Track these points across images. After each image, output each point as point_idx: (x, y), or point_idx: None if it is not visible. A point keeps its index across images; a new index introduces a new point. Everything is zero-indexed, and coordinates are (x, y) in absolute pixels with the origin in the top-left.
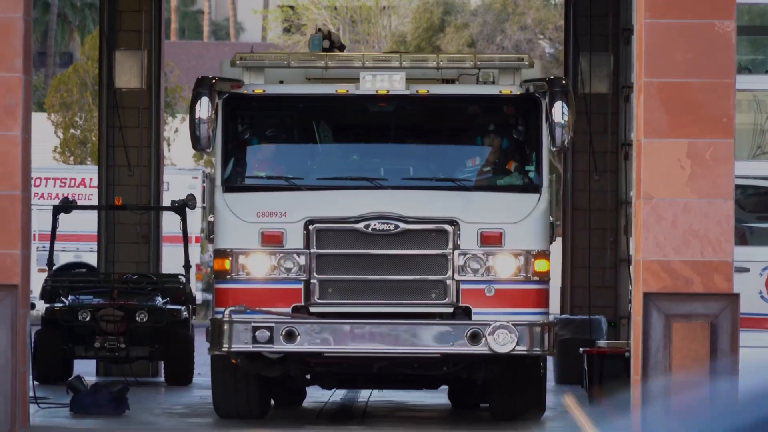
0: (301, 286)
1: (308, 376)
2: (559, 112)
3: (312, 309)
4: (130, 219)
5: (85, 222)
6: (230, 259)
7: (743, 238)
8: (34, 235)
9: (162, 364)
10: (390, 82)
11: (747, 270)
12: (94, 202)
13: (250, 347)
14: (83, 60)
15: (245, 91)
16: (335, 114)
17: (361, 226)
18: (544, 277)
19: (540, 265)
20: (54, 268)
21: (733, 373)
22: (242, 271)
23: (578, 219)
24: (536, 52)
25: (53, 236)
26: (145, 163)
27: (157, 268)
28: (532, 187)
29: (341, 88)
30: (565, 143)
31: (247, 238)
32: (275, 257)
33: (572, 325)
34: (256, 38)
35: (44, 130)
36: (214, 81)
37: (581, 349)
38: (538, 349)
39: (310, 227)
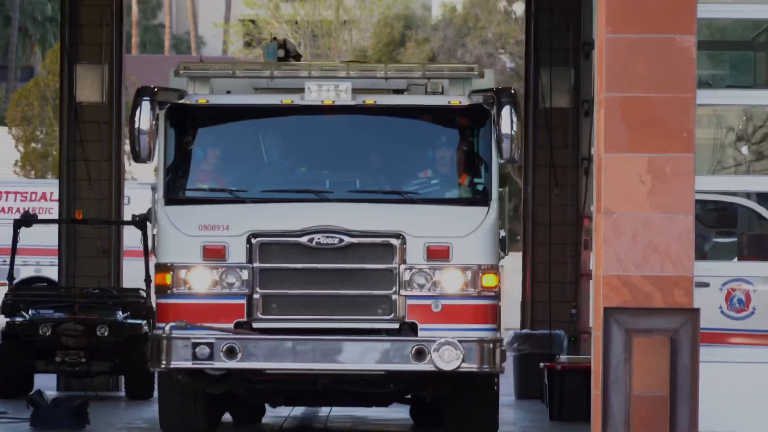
0: (243, 301)
1: (253, 393)
2: (507, 123)
3: (255, 325)
4: (90, 233)
5: (46, 236)
6: (171, 273)
7: (703, 253)
8: None
9: (123, 379)
10: (336, 93)
11: (707, 285)
12: (55, 216)
13: (189, 364)
14: (44, 74)
15: (187, 102)
16: (280, 125)
17: (305, 239)
18: (492, 293)
19: (488, 280)
20: (14, 282)
21: (693, 388)
22: (184, 285)
23: (539, 233)
24: (497, 66)
25: (14, 250)
26: (106, 177)
27: (118, 283)
28: (481, 200)
29: (286, 99)
30: (514, 156)
31: (189, 252)
32: (217, 271)
33: (532, 340)
34: (217, 52)
35: (5, 143)
36: (155, 91)
37: (541, 364)
38: (485, 366)
39: (253, 241)
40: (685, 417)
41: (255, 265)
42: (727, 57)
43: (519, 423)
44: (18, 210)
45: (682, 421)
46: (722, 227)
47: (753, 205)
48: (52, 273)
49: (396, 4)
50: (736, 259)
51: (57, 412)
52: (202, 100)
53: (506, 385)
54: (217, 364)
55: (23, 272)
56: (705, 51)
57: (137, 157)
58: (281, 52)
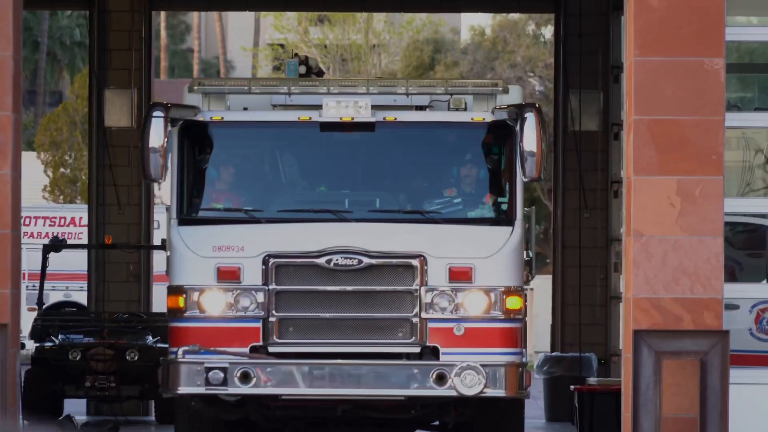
0: (259, 324)
1: (270, 420)
2: (531, 140)
3: (271, 349)
4: (120, 258)
5: (75, 261)
6: (184, 296)
7: (733, 275)
8: (24, 274)
9: (152, 403)
10: (355, 109)
11: (737, 307)
12: (85, 241)
13: (202, 389)
14: (73, 98)
15: (201, 118)
16: (297, 142)
17: (322, 261)
18: (516, 315)
19: (512, 303)
20: (44, 307)
21: (723, 410)
22: (197, 308)
23: (568, 256)
24: (526, 90)
25: (43, 275)
26: (135, 202)
27: (148, 307)
28: (505, 220)
29: (303, 116)
30: (537, 174)
31: (202, 274)
32: (232, 294)
33: (563, 363)
34: (246, 75)
35: (34, 168)
36: (167, 107)
37: (572, 387)
38: (509, 391)
39: (269, 262)
40: None
41: (271, 287)
42: (755, 79)
43: None
44: (47, 235)
45: None
46: (751, 249)
47: None
48: (82, 298)
49: (425, 28)
50: (765, 281)
51: None
52: (216, 117)
53: (536, 408)
54: (231, 390)
55: (52, 297)
56: (733, 74)
57: (148, 176)
58: (302, 69)
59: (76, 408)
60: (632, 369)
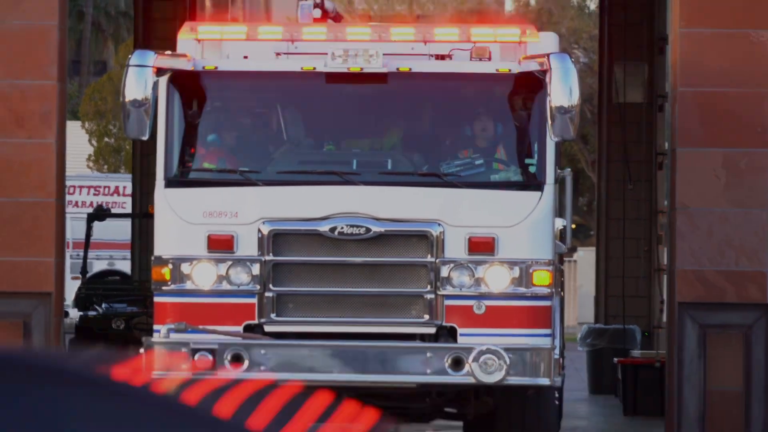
0: (254, 300)
1: None
2: (561, 94)
3: (267, 328)
4: None
5: (119, 230)
6: (170, 267)
7: None
8: (68, 243)
9: None
10: (365, 58)
11: None
12: (128, 210)
13: (188, 374)
14: (117, 68)
15: (192, 68)
16: (301, 96)
17: (326, 228)
18: (544, 292)
19: (540, 278)
20: (88, 276)
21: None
22: (185, 281)
23: (612, 228)
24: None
25: (87, 244)
26: None
27: None
28: (533, 184)
29: (307, 65)
30: (568, 134)
31: (191, 243)
32: (224, 266)
33: (606, 335)
34: None
35: (78, 138)
36: (151, 55)
37: (615, 359)
38: (536, 378)
39: (266, 230)
40: (760, 412)
41: (267, 258)
42: None
43: (592, 418)
44: (91, 204)
45: (756, 417)
46: None
47: None
48: (125, 267)
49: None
50: None
51: None
52: (209, 66)
53: (579, 381)
54: (221, 375)
55: (96, 266)
56: None
57: (130, 132)
58: (317, 12)
59: None
60: (676, 342)
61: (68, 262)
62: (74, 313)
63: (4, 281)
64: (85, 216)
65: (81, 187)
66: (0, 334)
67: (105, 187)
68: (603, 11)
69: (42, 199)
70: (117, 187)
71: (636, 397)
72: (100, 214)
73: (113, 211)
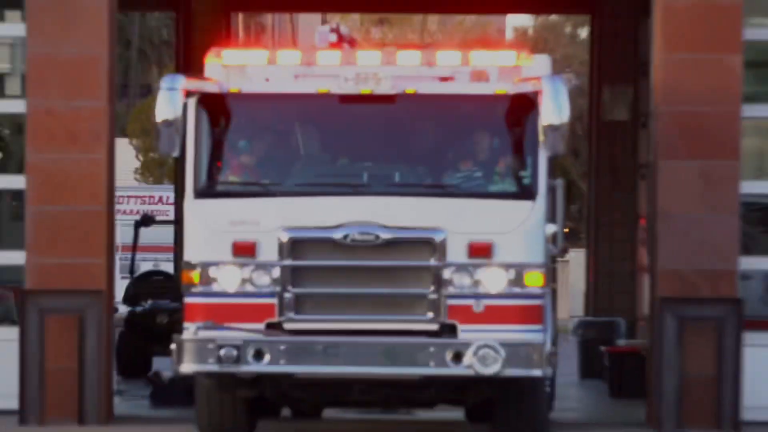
0: (275, 300)
1: (287, 398)
2: (552, 113)
3: (286, 325)
4: None
5: (163, 235)
6: (199, 271)
7: (747, 249)
8: (118, 246)
9: None
10: (375, 81)
11: (750, 278)
12: (171, 217)
13: (215, 367)
14: None
15: (218, 90)
16: (316, 115)
17: (339, 236)
18: (537, 292)
19: (532, 279)
20: (135, 275)
21: (737, 369)
22: (212, 284)
23: (600, 232)
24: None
25: (134, 247)
26: None
27: None
28: (527, 194)
29: (322, 88)
30: (559, 151)
31: (218, 249)
32: (247, 269)
33: (595, 327)
34: None
35: (126, 153)
36: (182, 79)
37: (603, 348)
38: (529, 369)
39: (285, 237)
40: (731, 395)
41: (286, 262)
42: None
43: (582, 400)
44: (138, 212)
45: (727, 398)
46: (764, 226)
47: None
48: (168, 267)
49: (474, 28)
50: None
51: (173, 391)
52: (234, 89)
53: (571, 367)
54: (244, 368)
55: (143, 267)
56: (751, 69)
57: (162, 149)
58: (333, 36)
59: (163, 366)
60: (657, 332)
61: (118, 263)
62: (123, 309)
63: (63, 280)
64: (133, 222)
65: (129, 197)
66: (58, 327)
67: (150, 196)
68: (593, 39)
69: (94, 207)
70: (161, 197)
71: (621, 381)
72: (146, 220)
73: (157, 218)
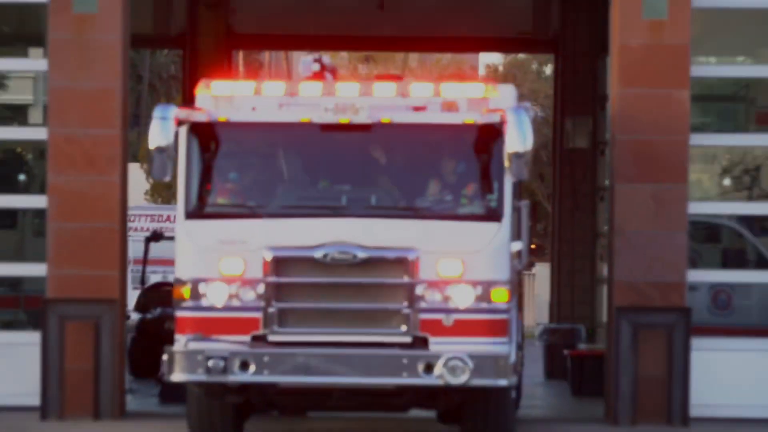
0: (260, 314)
1: (271, 404)
2: (516, 141)
3: (270, 338)
4: None
5: (171, 250)
6: (189, 286)
7: (694, 263)
8: (130, 260)
9: None
10: (353, 111)
11: (697, 289)
12: None
13: (203, 377)
14: None
15: (207, 119)
16: (299, 142)
17: (319, 255)
18: (502, 307)
19: (498, 296)
20: (145, 286)
21: (685, 370)
22: (201, 298)
23: (563, 248)
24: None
25: (145, 261)
26: None
27: None
28: (493, 216)
29: (304, 117)
30: (522, 175)
31: (207, 266)
32: (234, 285)
33: (558, 332)
34: None
35: (138, 176)
36: (173, 109)
37: (565, 352)
38: (495, 379)
39: (269, 256)
40: (680, 394)
41: (270, 279)
42: (715, 107)
43: (547, 398)
44: (148, 229)
45: (676, 396)
46: (710, 243)
47: (734, 225)
48: None
49: (449, 65)
50: (720, 269)
51: (180, 390)
52: (222, 118)
53: (536, 369)
54: (231, 378)
55: (152, 278)
56: (697, 102)
57: (155, 174)
58: (316, 66)
59: None
60: (614, 338)
61: (130, 275)
62: (135, 316)
63: (80, 290)
64: (144, 238)
65: (140, 215)
66: (76, 332)
67: (159, 215)
68: (556, 75)
69: (109, 224)
70: (168, 216)
71: (582, 381)
72: (156, 236)
73: (166, 234)
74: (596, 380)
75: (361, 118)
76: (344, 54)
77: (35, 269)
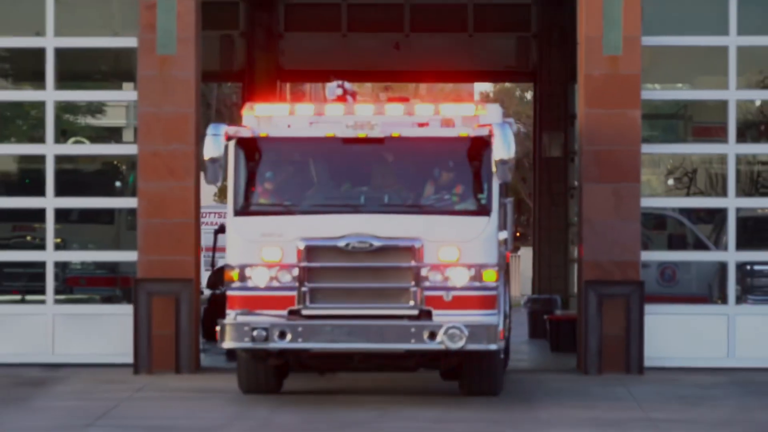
0: (295, 293)
1: (305, 365)
2: (500, 151)
3: (304, 312)
4: None
5: None
6: (237, 270)
7: (646, 245)
8: (202, 247)
9: None
10: (369, 127)
11: (649, 266)
12: None
13: (249, 344)
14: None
15: (251, 135)
16: (326, 152)
17: (342, 244)
18: (492, 285)
19: (488, 276)
20: (214, 268)
21: (640, 331)
22: (247, 280)
23: (542, 235)
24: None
25: (214, 248)
26: None
27: None
28: (484, 211)
29: (330, 132)
30: (506, 178)
31: (251, 254)
32: (274, 270)
33: (539, 301)
34: None
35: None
36: (223, 126)
37: (545, 316)
38: (486, 344)
39: (302, 245)
40: (636, 348)
41: (303, 264)
42: (660, 123)
43: (530, 354)
44: (216, 223)
45: (633, 352)
46: (658, 230)
47: (677, 215)
48: None
49: (451, 93)
50: (667, 250)
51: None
52: (263, 134)
53: (523, 329)
54: (271, 345)
55: (220, 262)
56: (646, 120)
57: (209, 180)
58: (339, 91)
59: None
60: (583, 305)
61: (202, 259)
62: (207, 292)
63: (164, 272)
64: (213, 231)
65: (209, 212)
66: (161, 304)
67: (224, 212)
68: (535, 99)
69: (185, 220)
70: None
71: (558, 340)
72: (222, 229)
73: None
74: (570, 339)
75: (376, 133)
76: (368, 84)
77: (128, 256)
